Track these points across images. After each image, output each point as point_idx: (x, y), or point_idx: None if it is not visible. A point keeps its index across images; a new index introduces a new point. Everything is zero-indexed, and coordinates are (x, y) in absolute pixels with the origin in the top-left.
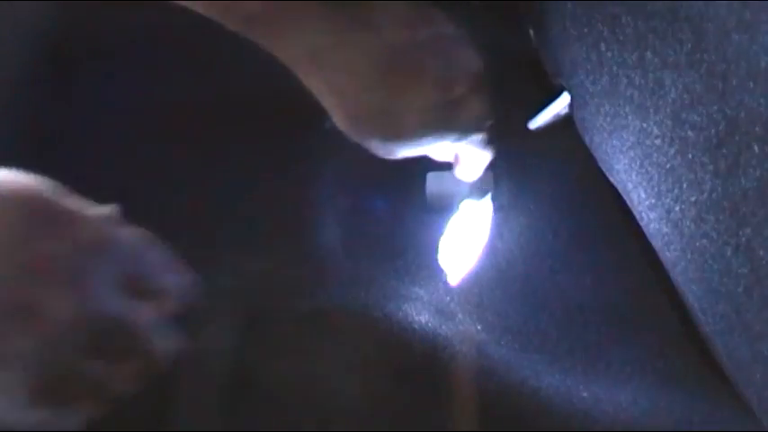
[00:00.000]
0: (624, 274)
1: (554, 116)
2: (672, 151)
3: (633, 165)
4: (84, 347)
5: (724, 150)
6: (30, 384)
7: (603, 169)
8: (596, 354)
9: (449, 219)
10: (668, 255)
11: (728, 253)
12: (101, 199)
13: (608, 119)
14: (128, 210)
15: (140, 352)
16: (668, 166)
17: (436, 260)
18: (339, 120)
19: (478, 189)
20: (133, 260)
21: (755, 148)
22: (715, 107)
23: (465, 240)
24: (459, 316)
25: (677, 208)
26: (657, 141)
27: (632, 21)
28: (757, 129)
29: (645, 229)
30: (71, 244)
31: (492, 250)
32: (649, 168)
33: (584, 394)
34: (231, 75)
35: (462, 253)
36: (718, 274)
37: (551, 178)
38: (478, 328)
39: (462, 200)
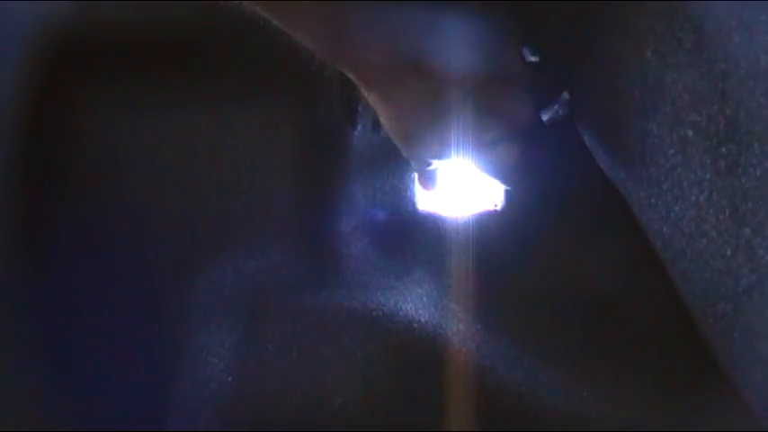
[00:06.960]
0: (623, 273)
1: (554, 116)
2: (672, 151)
3: (633, 165)
4: None
5: (724, 150)
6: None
7: (603, 169)
8: (595, 353)
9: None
10: (668, 255)
11: (728, 253)
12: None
13: (608, 119)
14: (127, 208)
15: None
16: (668, 165)
17: (435, 258)
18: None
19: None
20: None
21: (755, 147)
22: (715, 107)
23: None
24: (459, 315)
25: (677, 208)
26: (657, 141)
27: (632, 20)
28: (757, 128)
29: (645, 229)
30: None
31: (491, 249)
32: (649, 168)
33: (584, 394)
34: (232, 74)
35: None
36: (718, 274)
37: (551, 178)
38: (478, 327)
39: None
